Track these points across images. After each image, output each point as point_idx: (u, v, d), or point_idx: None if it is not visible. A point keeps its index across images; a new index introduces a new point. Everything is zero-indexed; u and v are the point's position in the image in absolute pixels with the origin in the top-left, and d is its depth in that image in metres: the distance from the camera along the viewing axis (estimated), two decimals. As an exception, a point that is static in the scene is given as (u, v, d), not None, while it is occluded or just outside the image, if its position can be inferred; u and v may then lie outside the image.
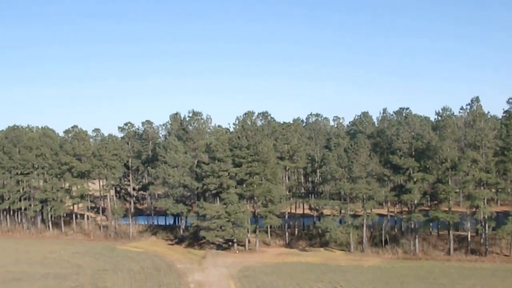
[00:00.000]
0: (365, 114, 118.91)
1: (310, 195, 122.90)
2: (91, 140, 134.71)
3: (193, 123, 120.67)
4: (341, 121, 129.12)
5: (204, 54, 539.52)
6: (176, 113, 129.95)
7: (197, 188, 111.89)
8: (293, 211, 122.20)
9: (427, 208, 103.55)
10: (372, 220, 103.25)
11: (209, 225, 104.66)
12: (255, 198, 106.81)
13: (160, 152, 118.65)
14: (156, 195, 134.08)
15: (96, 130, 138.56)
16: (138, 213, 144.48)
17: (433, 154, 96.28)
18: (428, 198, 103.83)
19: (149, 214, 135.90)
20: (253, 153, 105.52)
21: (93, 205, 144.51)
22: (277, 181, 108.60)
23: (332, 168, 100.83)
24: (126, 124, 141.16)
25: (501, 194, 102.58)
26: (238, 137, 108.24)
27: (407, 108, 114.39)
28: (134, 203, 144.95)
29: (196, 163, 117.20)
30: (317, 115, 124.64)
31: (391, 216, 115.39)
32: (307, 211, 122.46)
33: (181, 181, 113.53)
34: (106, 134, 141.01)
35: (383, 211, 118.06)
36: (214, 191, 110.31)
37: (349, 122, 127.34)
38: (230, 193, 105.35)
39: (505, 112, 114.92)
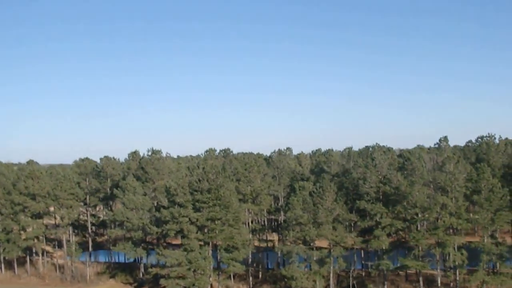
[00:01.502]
0: (329, 152, 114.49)
1: (275, 230, 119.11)
2: (46, 178, 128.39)
3: (153, 162, 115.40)
4: (305, 157, 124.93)
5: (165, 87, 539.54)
6: (135, 151, 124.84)
7: (157, 233, 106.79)
8: (256, 243, 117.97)
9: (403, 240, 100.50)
10: (339, 266, 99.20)
11: (169, 272, 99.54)
12: (217, 244, 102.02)
13: (118, 194, 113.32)
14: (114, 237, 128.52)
15: (52, 167, 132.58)
16: (98, 246, 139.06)
17: (402, 199, 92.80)
18: (397, 244, 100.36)
19: (109, 248, 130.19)
20: (214, 197, 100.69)
21: (50, 241, 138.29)
22: (240, 226, 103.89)
23: (297, 214, 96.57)
24: (83, 160, 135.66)
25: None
26: (199, 180, 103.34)
27: (373, 147, 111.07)
28: (93, 238, 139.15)
29: (155, 204, 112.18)
30: (281, 152, 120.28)
31: (359, 260, 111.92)
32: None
33: (139, 224, 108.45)
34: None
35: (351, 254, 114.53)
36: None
37: (314, 161, 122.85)
38: (191, 239, 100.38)
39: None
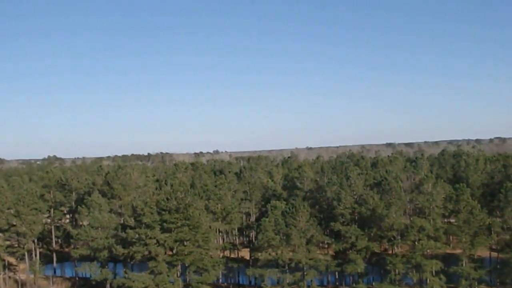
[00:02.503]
0: (302, 168, 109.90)
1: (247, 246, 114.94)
2: (7, 192, 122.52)
3: (119, 177, 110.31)
4: (277, 172, 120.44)
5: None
6: (100, 165, 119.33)
7: (123, 254, 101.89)
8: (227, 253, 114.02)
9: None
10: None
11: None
12: (186, 266, 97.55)
13: (83, 211, 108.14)
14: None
15: (14, 179, 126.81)
16: (64, 258, 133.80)
17: (378, 221, 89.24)
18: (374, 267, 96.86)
19: (75, 260, 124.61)
20: (183, 217, 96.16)
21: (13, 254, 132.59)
22: (210, 247, 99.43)
23: (269, 236, 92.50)
24: (47, 173, 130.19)
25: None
26: (167, 199, 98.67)
27: (347, 160, 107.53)
28: (58, 250, 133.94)
29: (122, 222, 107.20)
30: (251, 168, 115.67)
31: (333, 283, 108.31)
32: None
33: (105, 244, 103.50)
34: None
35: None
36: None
37: (286, 171, 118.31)
38: (159, 261, 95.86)
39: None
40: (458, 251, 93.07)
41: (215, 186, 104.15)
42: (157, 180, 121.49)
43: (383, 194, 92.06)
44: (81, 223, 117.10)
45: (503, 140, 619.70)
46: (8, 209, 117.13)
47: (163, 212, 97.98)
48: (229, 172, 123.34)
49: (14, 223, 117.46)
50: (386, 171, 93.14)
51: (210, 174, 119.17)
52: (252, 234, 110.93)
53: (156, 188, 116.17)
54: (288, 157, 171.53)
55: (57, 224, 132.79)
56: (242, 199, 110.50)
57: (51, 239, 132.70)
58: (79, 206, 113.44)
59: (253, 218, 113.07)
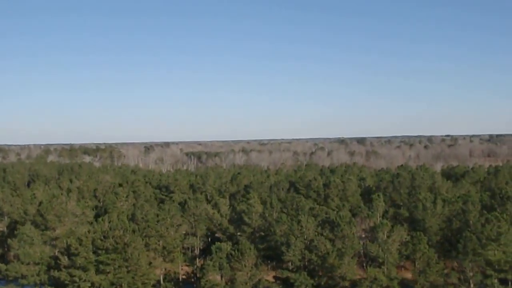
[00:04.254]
0: (250, 202, 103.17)
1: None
2: None
3: (53, 207, 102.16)
4: (225, 203, 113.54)
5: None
6: (34, 193, 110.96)
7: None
8: None
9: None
10: None
11: None
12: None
13: (13, 244, 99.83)
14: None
15: None
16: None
17: (330, 269, 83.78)
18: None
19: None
20: (120, 258, 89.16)
21: None
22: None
23: (212, 282, 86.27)
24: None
25: None
26: (104, 237, 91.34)
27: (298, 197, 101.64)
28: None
29: (56, 255, 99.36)
30: (196, 199, 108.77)
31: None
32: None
33: (37, 282, 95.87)
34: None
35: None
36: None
37: (233, 208, 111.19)
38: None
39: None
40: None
41: (157, 222, 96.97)
42: (96, 207, 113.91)
43: (335, 239, 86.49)
44: (12, 254, 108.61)
45: (455, 139, 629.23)
46: None
47: (100, 251, 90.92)
48: (172, 200, 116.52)
49: None
50: (339, 216, 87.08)
51: (153, 203, 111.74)
52: (197, 272, 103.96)
53: (94, 218, 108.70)
54: (238, 173, 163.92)
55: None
56: (186, 234, 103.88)
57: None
58: (9, 239, 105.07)
59: (197, 252, 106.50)
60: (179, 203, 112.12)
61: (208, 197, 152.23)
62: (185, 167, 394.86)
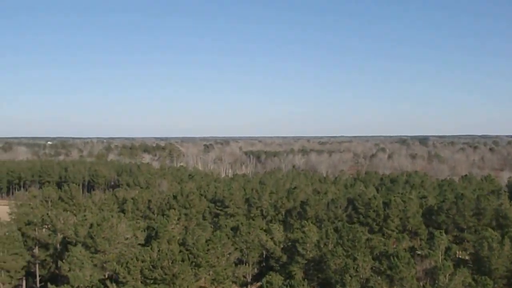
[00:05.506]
0: (304, 232, 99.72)
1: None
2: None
3: (103, 231, 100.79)
4: (278, 229, 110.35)
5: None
6: (85, 215, 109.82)
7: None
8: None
9: None
10: None
11: None
12: None
13: (63, 266, 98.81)
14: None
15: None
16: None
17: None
18: None
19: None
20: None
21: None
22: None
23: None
24: (32, 207, 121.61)
25: None
26: (153, 267, 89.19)
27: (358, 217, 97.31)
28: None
29: (104, 281, 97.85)
30: (249, 224, 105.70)
31: None
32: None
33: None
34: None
35: None
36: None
37: (287, 236, 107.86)
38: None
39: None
40: None
41: (208, 250, 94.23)
42: (147, 228, 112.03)
43: (393, 280, 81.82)
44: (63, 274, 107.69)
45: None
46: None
47: (148, 281, 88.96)
48: (226, 226, 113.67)
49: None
50: (397, 256, 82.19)
51: (205, 226, 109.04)
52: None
53: (145, 240, 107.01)
54: (295, 188, 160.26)
55: (42, 263, 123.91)
56: (237, 262, 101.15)
57: (35, 277, 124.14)
58: (59, 261, 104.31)
59: (249, 279, 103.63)
60: (232, 228, 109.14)
61: (264, 212, 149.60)
62: (243, 168, 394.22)
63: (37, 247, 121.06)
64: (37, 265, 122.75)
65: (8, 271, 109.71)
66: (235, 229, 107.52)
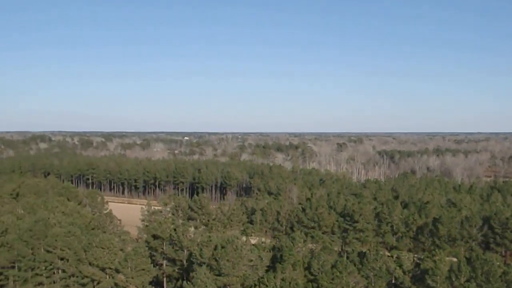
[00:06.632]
0: (436, 262, 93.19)
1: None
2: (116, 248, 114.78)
3: (227, 253, 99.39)
4: (408, 259, 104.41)
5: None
6: (210, 238, 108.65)
7: None
8: None
9: None
10: None
11: None
12: None
13: (187, 287, 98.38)
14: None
15: (125, 233, 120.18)
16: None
17: None
18: None
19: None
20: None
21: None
22: None
23: None
24: (160, 224, 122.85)
25: None
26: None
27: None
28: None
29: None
30: (377, 252, 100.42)
31: None
32: None
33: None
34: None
35: None
36: None
37: (416, 265, 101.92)
38: None
39: None
40: None
41: (332, 280, 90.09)
42: (273, 248, 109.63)
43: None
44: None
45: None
46: (115, 270, 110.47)
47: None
48: (353, 251, 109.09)
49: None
50: None
51: (331, 250, 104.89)
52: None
53: (271, 262, 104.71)
54: (426, 203, 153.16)
55: (169, 276, 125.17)
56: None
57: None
58: (184, 282, 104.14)
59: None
60: (358, 254, 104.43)
61: (394, 228, 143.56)
62: (376, 168, 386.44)
63: (165, 261, 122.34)
64: (164, 279, 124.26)
65: (136, 287, 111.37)
66: (362, 254, 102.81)
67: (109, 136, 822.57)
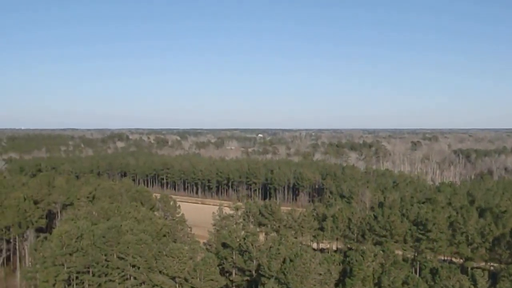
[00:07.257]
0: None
1: None
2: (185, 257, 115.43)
3: (295, 268, 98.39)
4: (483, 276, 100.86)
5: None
6: (278, 249, 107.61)
7: None
8: None
9: None
10: None
11: None
12: None
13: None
14: None
15: (195, 242, 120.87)
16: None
17: None
18: None
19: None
20: None
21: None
22: None
23: None
24: (230, 233, 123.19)
25: None
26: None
27: None
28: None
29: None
30: (450, 268, 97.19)
31: None
32: None
33: None
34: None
35: None
36: None
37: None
38: None
39: None
40: None
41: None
42: (342, 262, 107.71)
43: None
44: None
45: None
46: (184, 279, 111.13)
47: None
48: (425, 267, 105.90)
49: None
50: None
51: (402, 265, 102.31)
52: None
53: (340, 276, 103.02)
54: (504, 212, 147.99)
55: (238, 286, 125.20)
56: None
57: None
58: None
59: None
60: (431, 270, 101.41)
61: (469, 238, 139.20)
62: (451, 168, 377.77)
63: (234, 270, 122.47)
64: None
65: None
66: (434, 270, 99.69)
67: (184, 134, 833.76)
